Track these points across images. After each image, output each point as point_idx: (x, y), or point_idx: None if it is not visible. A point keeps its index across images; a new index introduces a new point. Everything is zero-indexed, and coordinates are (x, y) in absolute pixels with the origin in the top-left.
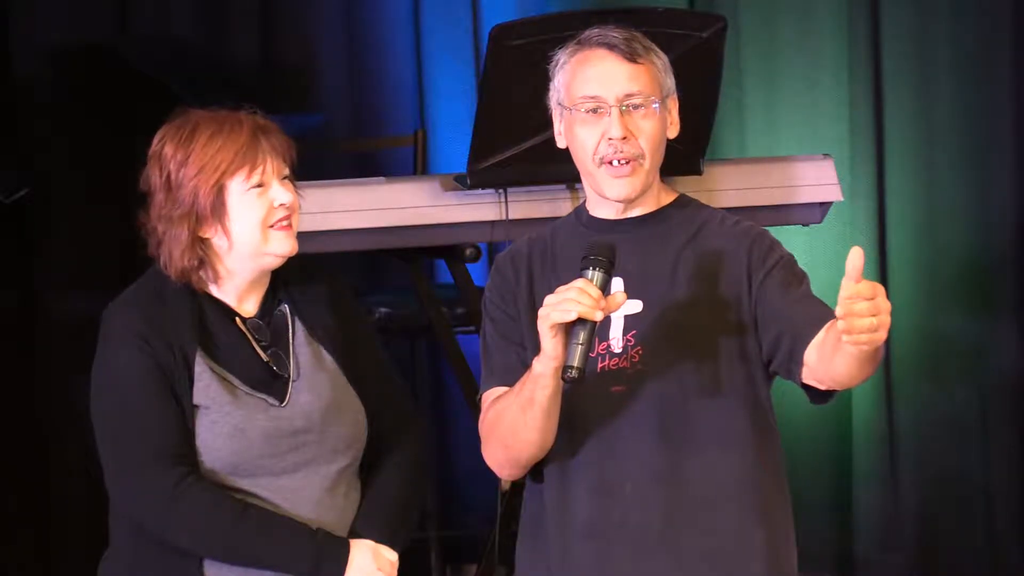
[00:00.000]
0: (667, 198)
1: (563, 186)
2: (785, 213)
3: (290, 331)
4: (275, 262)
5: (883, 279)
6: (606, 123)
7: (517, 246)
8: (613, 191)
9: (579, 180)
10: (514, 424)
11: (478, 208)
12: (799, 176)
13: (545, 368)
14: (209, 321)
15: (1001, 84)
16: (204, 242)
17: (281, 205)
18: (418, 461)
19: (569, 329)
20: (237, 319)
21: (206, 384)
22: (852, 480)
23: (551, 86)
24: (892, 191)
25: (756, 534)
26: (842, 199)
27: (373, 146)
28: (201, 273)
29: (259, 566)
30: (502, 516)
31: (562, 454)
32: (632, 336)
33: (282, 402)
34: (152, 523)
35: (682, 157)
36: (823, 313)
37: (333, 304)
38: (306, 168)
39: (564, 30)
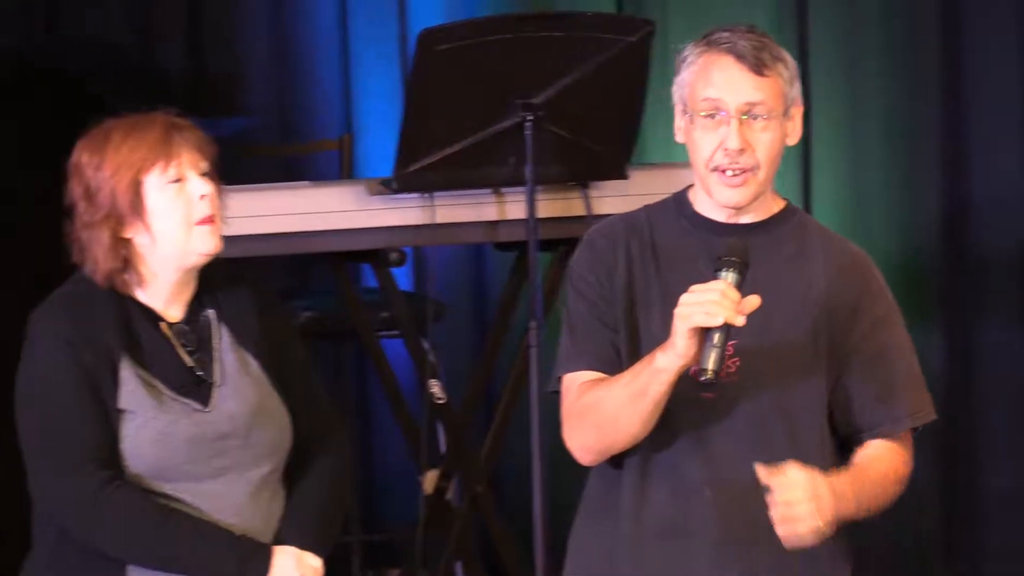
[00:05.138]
0: (776, 206)
1: (489, 190)
2: None
3: (215, 336)
4: (200, 260)
5: None
6: (724, 132)
7: (611, 226)
8: (723, 197)
9: (506, 185)
10: (617, 413)
11: (404, 212)
12: None
13: (671, 365)
14: (135, 326)
15: (928, 90)
16: (127, 243)
17: (202, 197)
18: (342, 467)
19: (705, 330)
20: (162, 324)
21: (132, 389)
22: None
23: (675, 80)
24: (819, 197)
25: (830, 555)
26: None
27: (300, 150)
28: (126, 276)
29: (182, 571)
30: (425, 520)
31: (644, 449)
32: (731, 345)
33: (207, 407)
34: (76, 527)
35: (607, 161)
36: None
37: (258, 309)
38: (233, 172)
39: (491, 34)
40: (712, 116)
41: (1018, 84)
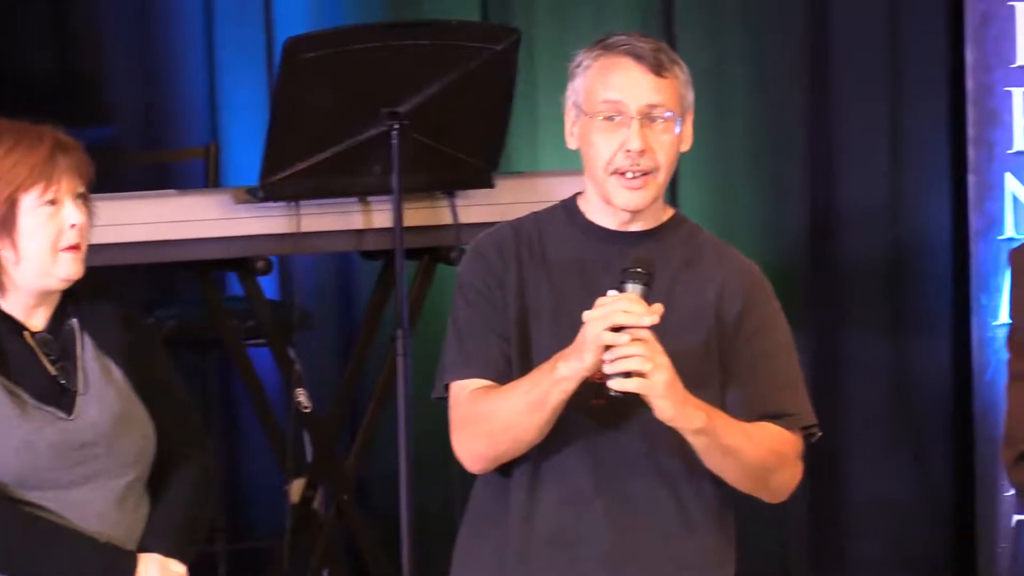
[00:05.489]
0: (665, 215)
1: (356, 199)
2: None
3: (79, 345)
4: (60, 285)
5: None
6: (624, 134)
7: (499, 233)
8: (622, 200)
9: (372, 193)
10: (513, 422)
11: (270, 221)
12: None
13: (574, 374)
14: None
15: (795, 95)
16: None
17: (73, 226)
18: (206, 475)
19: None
20: (25, 333)
21: None
22: None
23: (569, 86)
24: (686, 204)
25: (717, 563)
26: None
27: (165, 158)
28: None
29: None
30: (291, 529)
31: (535, 456)
32: None
33: (70, 415)
34: None
35: (474, 170)
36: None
37: (122, 318)
38: (98, 180)
39: (358, 42)
40: (612, 118)
41: (885, 89)
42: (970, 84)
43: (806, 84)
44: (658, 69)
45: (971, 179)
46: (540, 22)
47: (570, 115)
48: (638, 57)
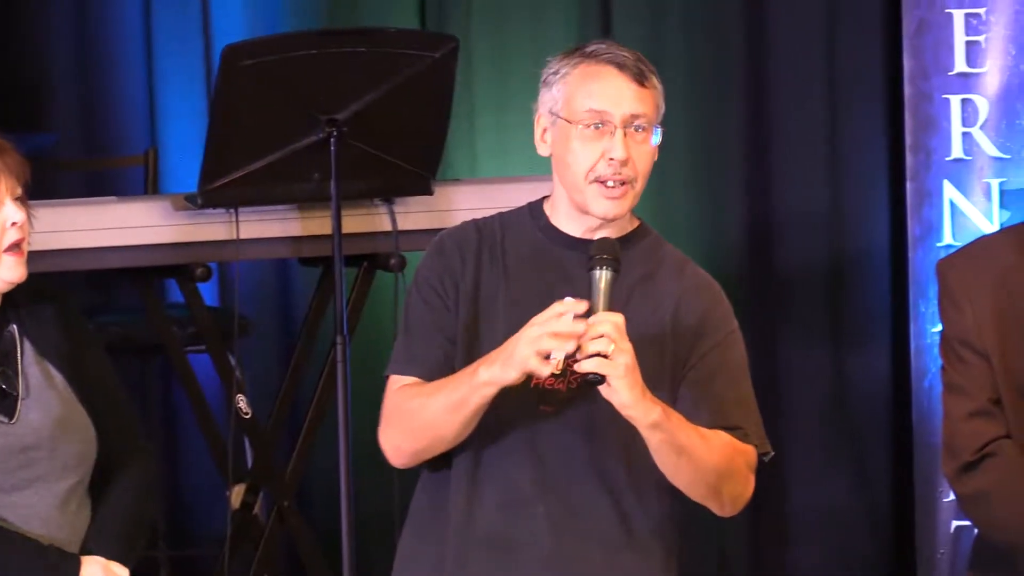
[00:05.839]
0: (631, 225)
1: (294, 206)
2: None
3: (18, 350)
4: (3, 287)
5: None
6: (607, 143)
7: (464, 231)
8: (600, 208)
9: (311, 200)
10: (434, 421)
11: (209, 228)
12: (529, 196)
13: (494, 381)
14: None
15: (732, 104)
16: None
17: (13, 225)
18: (148, 479)
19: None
20: None
21: None
22: None
23: (544, 93)
24: None
25: (660, 570)
26: None
27: (104, 165)
28: None
29: None
30: (232, 535)
31: (477, 457)
32: (572, 362)
33: (11, 419)
34: None
35: (413, 177)
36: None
37: (62, 323)
38: (37, 187)
39: (295, 50)
40: (596, 127)
41: (823, 97)
42: (907, 91)
43: (744, 93)
44: (640, 79)
45: (909, 186)
46: (478, 30)
47: (542, 122)
48: (621, 66)
